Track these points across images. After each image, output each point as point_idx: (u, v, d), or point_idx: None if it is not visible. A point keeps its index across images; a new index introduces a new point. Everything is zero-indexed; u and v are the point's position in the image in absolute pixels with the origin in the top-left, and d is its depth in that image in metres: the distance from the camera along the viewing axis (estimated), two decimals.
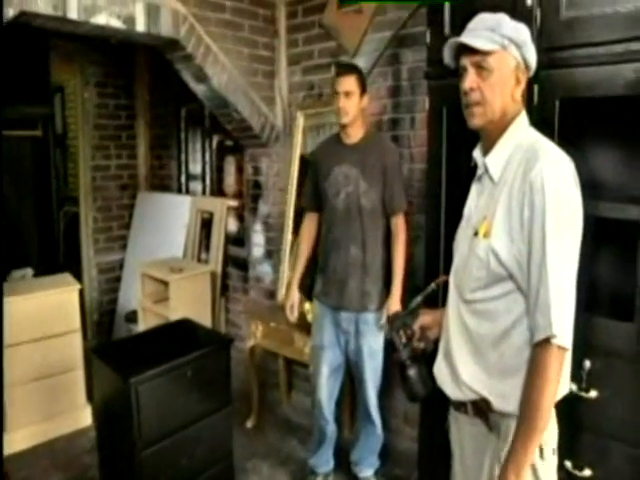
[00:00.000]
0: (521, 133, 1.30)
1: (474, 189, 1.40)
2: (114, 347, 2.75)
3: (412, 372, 1.46)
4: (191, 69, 2.93)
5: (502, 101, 1.27)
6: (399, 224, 2.38)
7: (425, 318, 1.53)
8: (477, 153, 1.39)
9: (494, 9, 1.74)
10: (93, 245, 4.47)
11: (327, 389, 2.53)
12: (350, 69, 2.40)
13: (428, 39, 1.93)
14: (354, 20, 2.90)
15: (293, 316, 2.63)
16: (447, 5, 1.85)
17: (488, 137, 1.33)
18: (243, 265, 3.79)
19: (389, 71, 2.81)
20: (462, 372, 1.31)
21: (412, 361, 1.47)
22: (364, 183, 2.35)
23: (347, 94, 2.31)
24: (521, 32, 1.27)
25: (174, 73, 3.08)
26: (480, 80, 1.27)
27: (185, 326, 2.62)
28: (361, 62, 2.81)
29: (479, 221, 1.30)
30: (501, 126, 1.30)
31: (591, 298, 1.74)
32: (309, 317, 2.76)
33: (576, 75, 1.58)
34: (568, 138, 1.65)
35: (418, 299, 1.57)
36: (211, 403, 2.32)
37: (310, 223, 2.65)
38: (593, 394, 1.58)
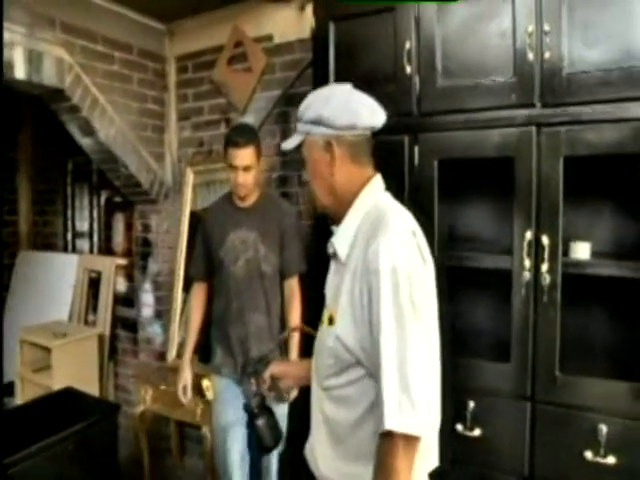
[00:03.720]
0: (369, 202, 1.20)
1: (332, 267, 1.29)
2: None
3: (260, 422, 1.44)
4: (77, 121, 2.84)
5: (323, 183, 1.23)
6: (294, 285, 2.28)
7: (275, 368, 1.47)
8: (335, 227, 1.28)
9: (375, 75, 1.86)
10: None
11: (241, 474, 2.23)
12: (248, 140, 2.14)
13: None
14: (244, 78, 2.97)
15: (186, 398, 2.35)
16: (332, 66, 1.95)
17: (336, 217, 1.26)
18: (132, 326, 3.60)
19: (277, 129, 2.88)
20: (321, 465, 1.23)
21: (260, 410, 1.45)
22: (264, 247, 2.21)
23: (246, 168, 2.14)
24: (311, 106, 1.21)
25: (60, 124, 2.95)
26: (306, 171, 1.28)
27: (68, 396, 2.47)
28: (250, 119, 2.87)
29: (326, 308, 1.22)
30: (344, 202, 1.22)
31: (473, 343, 1.83)
32: (209, 395, 2.55)
33: (452, 138, 1.72)
34: (447, 196, 1.77)
35: (271, 347, 1.56)
36: (97, 476, 2.17)
37: (199, 293, 2.43)
38: (477, 432, 1.66)
